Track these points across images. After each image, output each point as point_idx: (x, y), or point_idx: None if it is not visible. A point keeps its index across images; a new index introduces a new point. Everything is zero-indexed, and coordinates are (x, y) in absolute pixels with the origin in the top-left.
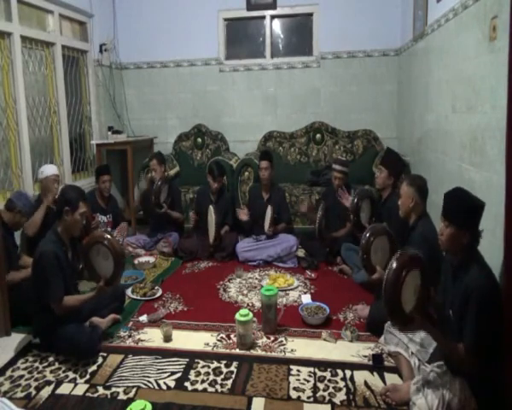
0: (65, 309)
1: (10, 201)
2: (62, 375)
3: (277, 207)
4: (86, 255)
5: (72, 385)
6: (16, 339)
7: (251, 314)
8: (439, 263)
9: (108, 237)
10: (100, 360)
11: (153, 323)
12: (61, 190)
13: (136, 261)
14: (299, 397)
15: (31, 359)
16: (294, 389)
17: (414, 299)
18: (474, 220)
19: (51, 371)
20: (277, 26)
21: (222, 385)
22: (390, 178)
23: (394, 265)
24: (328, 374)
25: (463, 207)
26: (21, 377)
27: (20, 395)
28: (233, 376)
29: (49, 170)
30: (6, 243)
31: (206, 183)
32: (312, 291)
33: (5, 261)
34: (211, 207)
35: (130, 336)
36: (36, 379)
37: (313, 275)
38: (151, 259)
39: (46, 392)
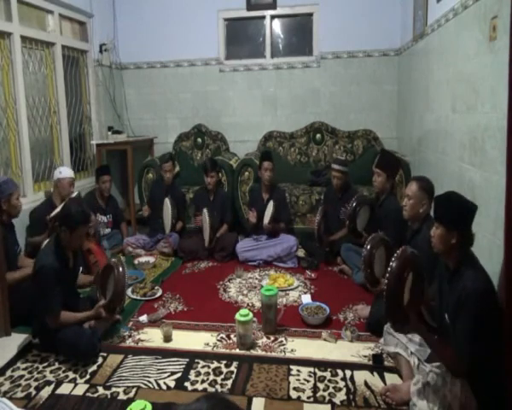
0: (59, 324)
1: None
2: (62, 375)
3: (277, 207)
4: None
5: (72, 385)
6: (16, 339)
7: (251, 314)
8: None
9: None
10: (100, 360)
11: (153, 323)
12: (66, 206)
13: (136, 261)
14: (299, 397)
15: (31, 359)
16: (294, 389)
17: (408, 295)
18: (464, 221)
19: (51, 371)
20: (277, 26)
21: (222, 385)
22: (388, 180)
23: (395, 265)
24: (328, 374)
25: (452, 207)
26: (21, 377)
27: (20, 395)
28: (233, 376)
29: (66, 172)
30: (6, 242)
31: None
32: (312, 291)
33: (5, 262)
34: (205, 211)
35: (130, 336)
36: (36, 379)
37: (313, 275)
38: (151, 259)
39: (46, 392)
